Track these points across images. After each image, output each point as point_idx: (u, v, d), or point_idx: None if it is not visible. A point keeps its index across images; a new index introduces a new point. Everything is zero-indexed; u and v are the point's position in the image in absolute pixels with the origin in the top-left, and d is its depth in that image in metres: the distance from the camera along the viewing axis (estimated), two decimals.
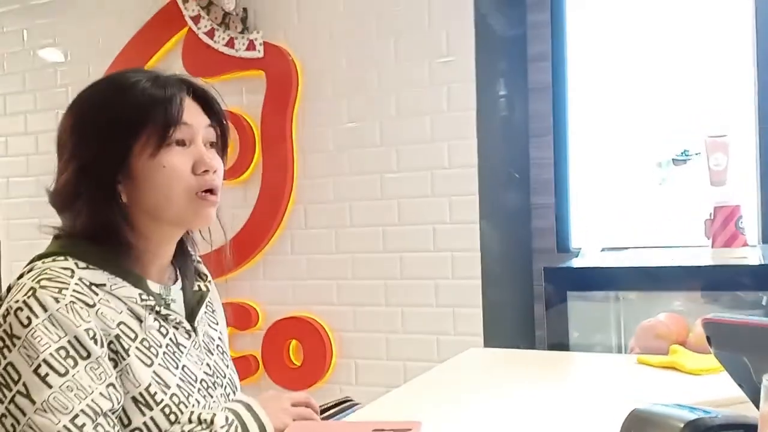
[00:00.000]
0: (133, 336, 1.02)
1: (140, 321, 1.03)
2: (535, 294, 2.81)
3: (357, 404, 1.29)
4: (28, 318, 0.94)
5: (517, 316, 2.82)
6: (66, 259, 1.01)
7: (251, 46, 2.86)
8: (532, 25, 2.89)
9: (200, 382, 1.09)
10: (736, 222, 1.98)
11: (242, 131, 2.84)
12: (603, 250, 2.45)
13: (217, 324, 1.23)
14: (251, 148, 2.86)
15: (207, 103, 1.12)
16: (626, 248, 2.46)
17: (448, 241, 2.62)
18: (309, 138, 2.83)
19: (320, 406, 1.22)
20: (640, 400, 0.87)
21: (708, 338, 0.82)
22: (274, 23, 2.86)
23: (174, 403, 1.02)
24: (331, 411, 1.26)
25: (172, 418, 1.02)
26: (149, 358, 1.02)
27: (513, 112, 2.90)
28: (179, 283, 1.17)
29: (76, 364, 0.94)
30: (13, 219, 3.34)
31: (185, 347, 1.09)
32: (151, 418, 1.00)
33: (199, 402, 1.07)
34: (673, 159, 2.59)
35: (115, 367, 0.99)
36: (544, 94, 2.84)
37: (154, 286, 1.10)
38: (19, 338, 0.93)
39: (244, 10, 2.88)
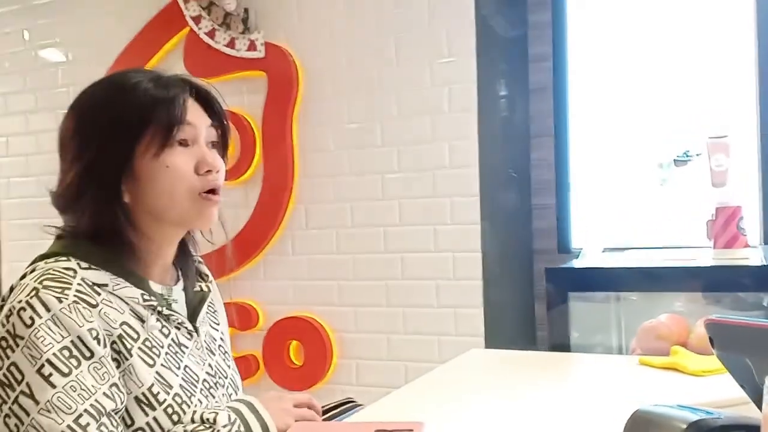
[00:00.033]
0: (135, 336, 1.02)
1: (142, 321, 1.04)
2: (535, 294, 2.81)
3: (359, 405, 1.29)
4: (32, 318, 0.94)
5: (518, 316, 2.82)
6: (68, 260, 1.02)
7: (252, 46, 2.86)
8: (533, 26, 2.89)
9: (202, 383, 1.09)
10: (737, 223, 1.98)
11: (243, 131, 2.84)
12: (604, 250, 2.45)
13: (219, 324, 1.23)
14: (252, 148, 2.86)
15: (208, 103, 1.13)
16: (627, 249, 2.46)
17: (449, 242, 2.62)
18: (310, 138, 2.83)
19: (322, 407, 1.22)
20: (642, 401, 0.87)
21: (711, 339, 0.82)
22: (275, 23, 2.87)
23: (176, 403, 1.03)
24: (333, 412, 1.26)
25: (175, 418, 1.02)
26: (152, 358, 1.02)
27: (514, 112, 2.91)
28: (181, 283, 1.17)
29: (79, 364, 0.94)
30: (14, 219, 3.34)
31: (187, 347, 1.09)
32: (154, 419, 1.00)
33: (201, 402, 1.07)
34: (674, 159, 2.59)
35: (118, 367, 0.99)
36: (545, 94, 2.84)
37: (156, 287, 1.10)
38: (22, 338, 0.94)
39: (245, 10, 2.88)
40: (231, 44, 2.90)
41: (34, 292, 0.96)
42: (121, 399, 0.97)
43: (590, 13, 2.79)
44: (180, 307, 1.14)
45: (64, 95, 3.14)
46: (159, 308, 1.06)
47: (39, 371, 0.92)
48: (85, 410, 0.92)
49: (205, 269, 1.25)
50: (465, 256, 2.59)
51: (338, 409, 1.27)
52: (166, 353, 1.05)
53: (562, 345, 1.85)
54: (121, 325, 1.01)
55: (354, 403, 1.30)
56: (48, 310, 0.95)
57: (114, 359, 0.99)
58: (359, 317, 2.77)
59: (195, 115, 1.09)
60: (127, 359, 1.00)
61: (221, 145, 1.15)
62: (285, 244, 2.88)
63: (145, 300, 1.05)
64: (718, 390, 1.10)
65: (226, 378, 1.16)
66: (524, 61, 2.90)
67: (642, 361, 1.45)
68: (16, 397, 0.92)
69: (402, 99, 2.69)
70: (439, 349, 2.61)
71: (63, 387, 0.92)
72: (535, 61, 2.88)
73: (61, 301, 0.96)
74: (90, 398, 0.93)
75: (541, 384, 1.37)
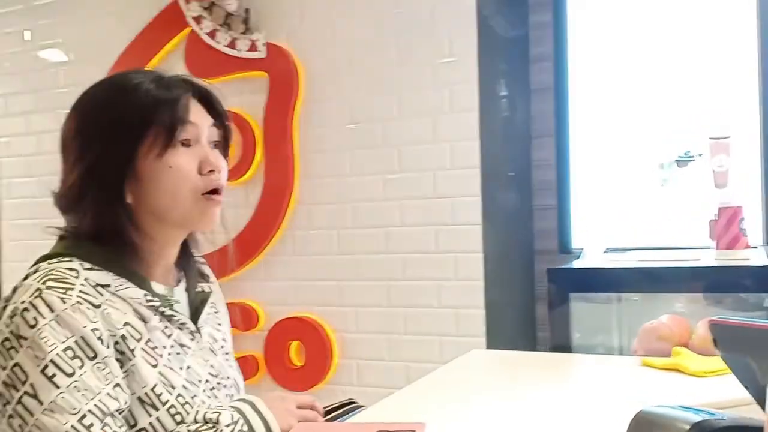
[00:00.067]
0: (138, 337, 1.02)
1: (145, 322, 1.04)
2: (537, 295, 2.81)
3: (361, 406, 1.29)
4: (35, 319, 0.94)
5: (519, 317, 2.82)
6: (71, 260, 1.02)
7: (253, 46, 2.86)
8: (534, 26, 2.89)
9: (205, 383, 1.09)
10: (738, 224, 1.98)
11: (244, 132, 2.84)
12: (605, 251, 2.45)
13: (221, 325, 1.23)
14: (253, 148, 2.86)
15: (210, 103, 1.13)
16: (628, 249, 2.46)
17: (450, 243, 2.61)
18: (311, 138, 2.83)
19: (324, 408, 1.22)
20: (644, 402, 0.88)
21: (714, 340, 0.82)
22: (276, 24, 2.87)
23: (179, 403, 1.03)
24: (336, 413, 1.26)
25: (178, 418, 1.02)
26: (154, 358, 1.02)
27: (515, 112, 2.91)
28: (183, 284, 1.17)
29: (83, 364, 0.94)
30: (15, 220, 3.34)
31: (189, 348, 1.10)
32: (157, 419, 1.00)
33: (204, 402, 1.07)
34: (675, 160, 2.59)
35: (121, 367, 0.99)
36: (546, 94, 2.84)
37: (158, 287, 1.10)
38: (26, 339, 0.94)
39: (246, 10, 2.88)
40: (232, 44, 2.90)
41: (37, 293, 0.96)
42: (124, 399, 0.97)
43: (591, 13, 2.79)
44: (182, 307, 1.14)
45: (65, 96, 3.09)
46: (161, 309, 1.06)
47: (43, 372, 0.92)
48: (89, 410, 0.92)
49: (207, 270, 1.25)
50: (466, 256, 2.59)
51: (340, 410, 1.27)
52: (169, 354, 1.05)
53: (563, 346, 1.86)
54: (124, 325, 1.01)
55: (356, 404, 1.30)
56: (51, 310, 0.95)
57: (117, 359, 0.99)
58: (360, 318, 2.77)
59: (197, 114, 1.09)
60: (130, 359, 1.00)
61: (223, 145, 1.15)
62: (286, 245, 2.88)
63: (147, 300, 1.05)
64: (721, 391, 1.10)
65: (228, 379, 1.16)
66: (525, 62, 2.91)
67: (645, 363, 1.45)
68: (20, 397, 0.92)
69: (403, 99, 2.68)
70: (441, 349, 2.61)
71: (67, 387, 0.92)
72: (536, 62, 2.89)
73: (64, 302, 0.96)
74: (94, 398, 0.93)
75: (543, 385, 1.37)
